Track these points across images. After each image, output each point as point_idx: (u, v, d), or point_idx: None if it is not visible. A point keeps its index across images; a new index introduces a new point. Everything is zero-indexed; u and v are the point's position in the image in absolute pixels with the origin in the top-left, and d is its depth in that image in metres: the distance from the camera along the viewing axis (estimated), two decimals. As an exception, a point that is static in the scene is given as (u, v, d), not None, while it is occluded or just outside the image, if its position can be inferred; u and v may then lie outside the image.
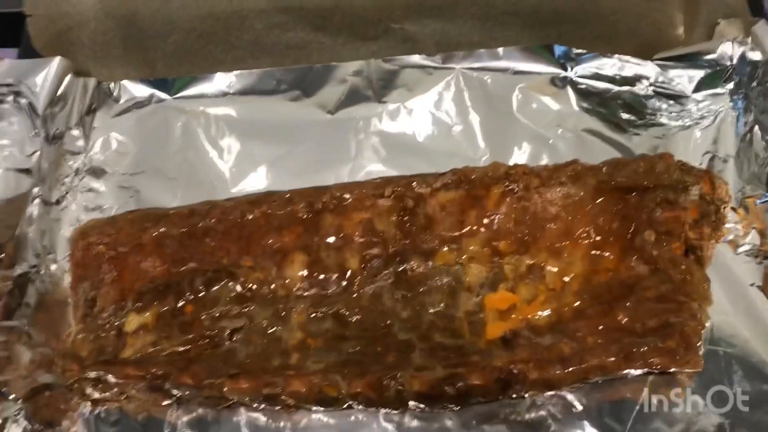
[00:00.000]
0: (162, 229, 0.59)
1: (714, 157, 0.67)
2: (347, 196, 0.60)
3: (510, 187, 0.61)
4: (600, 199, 0.61)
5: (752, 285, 0.61)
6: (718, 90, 0.69)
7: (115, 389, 0.57)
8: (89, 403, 0.59)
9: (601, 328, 0.56)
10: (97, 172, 0.69)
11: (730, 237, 0.63)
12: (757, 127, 0.66)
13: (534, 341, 0.56)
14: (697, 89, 0.69)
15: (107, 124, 0.71)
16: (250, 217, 0.59)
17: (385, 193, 0.60)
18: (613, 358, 0.54)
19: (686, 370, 0.57)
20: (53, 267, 0.64)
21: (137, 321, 0.59)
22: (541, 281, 0.60)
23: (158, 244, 0.59)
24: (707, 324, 0.59)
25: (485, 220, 0.60)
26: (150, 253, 0.59)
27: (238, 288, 0.59)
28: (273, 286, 0.59)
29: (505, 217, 0.61)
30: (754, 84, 0.67)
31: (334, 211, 0.60)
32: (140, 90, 0.71)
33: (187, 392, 0.55)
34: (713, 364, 0.59)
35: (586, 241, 0.60)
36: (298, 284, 0.59)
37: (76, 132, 0.69)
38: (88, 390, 0.57)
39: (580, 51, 0.71)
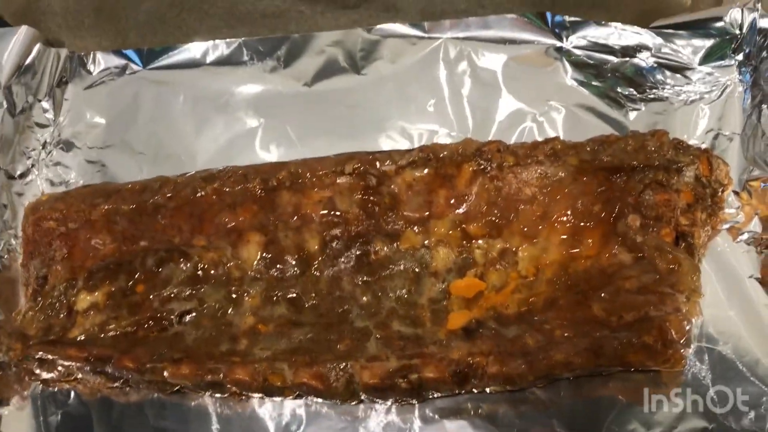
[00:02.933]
0: (112, 205, 0.57)
1: (718, 134, 0.61)
2: (306, 172, 0.56)
3: (482, 166, 0.56)
4: (582, 180, 0.56)
5: (750, 277, 0.56)
6: (726, 62, 0.62)
7: (62, 370, 0.55)
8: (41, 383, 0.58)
9: (571, 320, 0.51)
10: (66, 146, 0.67)
11: (730, 224, 0.57)
12: (765, 103, 0.59)
13: (497, 332, 0.52)
14: (703, 60, 0.63)
15: (79, 96, 0.68)
16: (203, 193, 0.56)
17: (346, 170, 0.56)
18: (580, 354, 0.49)
19: (667, 368, 0.52)
20: (13, 242, 0.62)
21: (88, 300, 0.56)
22: (512, 268, 0.55)
23: (108, 221, 0.57)
24: (699, 318, 0.55)
25: (455, 201, 0.56)
26: (100, 230, 0.57)
27: (191, 268, 0.56)
28: (227, 267, 0.56)
29: (476, 198, 0.56)
30: (765, 55, 0.60)
31: (291, 188, 0.56)
32: (113, 61, 0.69)
33: (129, 376, 0.53)
34: (701, 362, 0.54)
35: (564, 226, 0.55)
36: (253, 266, 0.56)
37: (45, 104, 0.67)
38: (37, 370, 0.56)
39: (575, 19, 0.65)
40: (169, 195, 0.56)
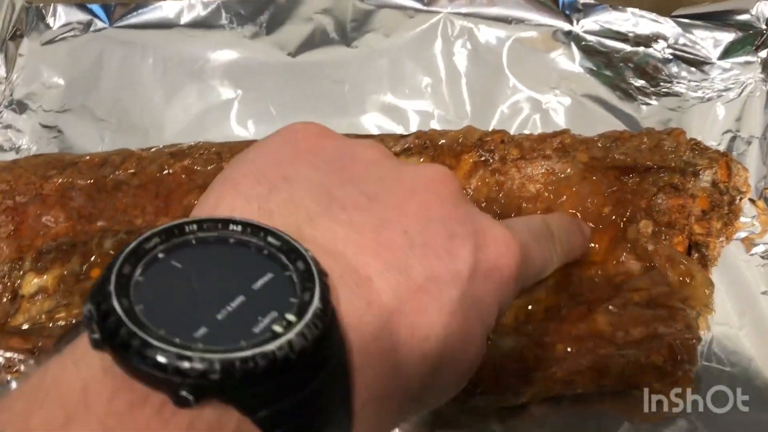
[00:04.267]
0: (67, 179, 0.50)
1: (735, 137, 0.56)
2: (288, 154, 0.50)
3: (484, 158, 0.51)
4: (591, 179, 0.51)
5: (764, 293, 0.51)
6: (749, 58, 0.58)
7: (2, 361, 0.49)
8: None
9: (575, 334, 0.47)
10: (18, 107, 0.60)
11: (744, 234, 0.53)
12: (790, 106, 0.55)
13: (493, 343, 0.47)
14: (723, 55, 0.58)
15: (35, 52, 0.61)
16: (170, 171, 0.50)
17: (333, 154, 0.50)
18: (583, 373, 0.45)
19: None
20: (-45, 213, 0.55)
21: (35, 283, 0.50)
22: (511, 271, 0.50)
23: (62, 196, 0.50)
24: (706, 335, 0.50)
25: (451, 195, 0.51)
26: (52, 206, 0.50)
27: (153, 254, 0.50)
28: (194, 254, 0.50)
29: (475, 193, 0.51)
30: (791, 54, 0.56)
31: (270, 170, 0.50)
32: (76, 15, 0.62)
33: (79, 372, 0.47)
34: (708, 384, 0.49)
35: (570, 228, 0.50)
36: (223, 254, 0.50)
37: (-4, 58, 0.60)
38: (-27, 361, 0.49)
39: (588, 1, 0.60)
40: (132, 171, 0.50)
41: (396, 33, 0.61)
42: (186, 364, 0.21)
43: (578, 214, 0.50)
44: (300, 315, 0.23)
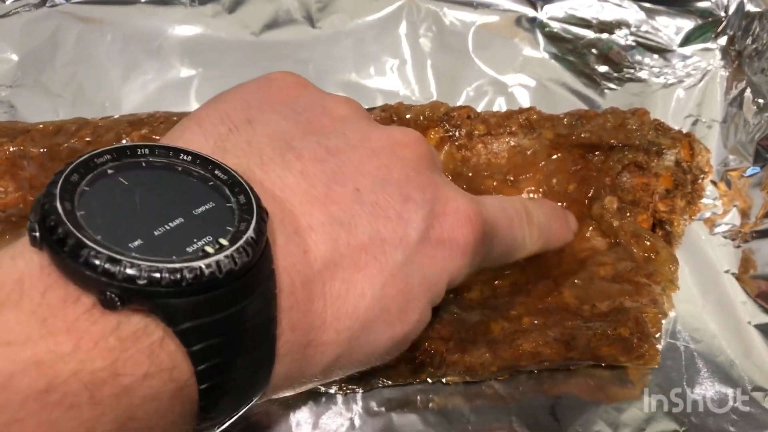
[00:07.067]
0: (18, 147, 0.48)
1: (697, 121, 0.57)
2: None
3: (450, 133, 0.50)
4: (556, 156, 0.51)
5: (727, 272, 0.52)
6: (709, 45, 0.59)
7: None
8: None
9: (541, 307, 0.46)
10: (-33, 81, 0.57)
11: (707, 214, 0.53)
12: (748, 91, 0.56)
13: (459, 317, 0.46)
14: (684, 42, 0.59)
15: (-13, 26, 0.59)
16: (128, 140, 0.48)
17: (298, 125, 0.49)
18: (550, 345, 0.44)
19: (640, 365, 0.47)
20: None
21: (-19, 256, 0.48)
22: (476, 247, 0.49)
23: (13, 165, 0.48)
24: (670, 313, 0.50)
25: (417, 170, 0.50)
26: (2, 175, 0.48)
27: (108, 226, 0.48)
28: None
29: (441, 168, 0.50)
30: (749, 42, 0.57)
31: (232, 141, 0.49)
32: (31, -11, 0.60)
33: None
34: (672, 360, 0.49)
35: (536, 204, 0.50)
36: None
37: (-56, 31, 0.58)
38: None
39: (553, -14, 0.61)
40: (88, 140, 0.48)
41: (361, 15, 0.61)
42: (115, 267, 0.22)
43: (543, 190, 0.50)
44: (233, 241, 0.24)
